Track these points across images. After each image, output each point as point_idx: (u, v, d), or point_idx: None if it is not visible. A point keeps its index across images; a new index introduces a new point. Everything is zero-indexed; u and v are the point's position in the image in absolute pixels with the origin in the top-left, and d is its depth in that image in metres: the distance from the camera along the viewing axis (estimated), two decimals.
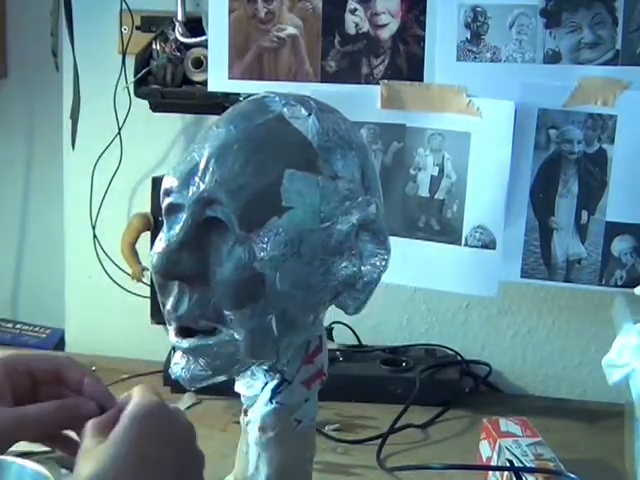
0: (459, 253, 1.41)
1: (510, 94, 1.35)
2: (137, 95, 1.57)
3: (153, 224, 1.56)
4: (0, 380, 0.73)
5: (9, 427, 0.71)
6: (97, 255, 1.65)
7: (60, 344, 1.76)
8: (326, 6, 1.42)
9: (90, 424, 0.71)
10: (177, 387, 1.40)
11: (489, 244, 1.39)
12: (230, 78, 1.47)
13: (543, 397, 1.57)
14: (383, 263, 0.82)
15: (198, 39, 1.54)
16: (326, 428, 1.37)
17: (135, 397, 0.71)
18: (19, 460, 1.08)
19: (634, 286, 1.28)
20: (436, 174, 1.42)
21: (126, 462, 0.67)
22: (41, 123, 1.77)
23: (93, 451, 0.68)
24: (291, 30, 1.43)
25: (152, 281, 0.83)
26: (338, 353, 1.55)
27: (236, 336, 0.79)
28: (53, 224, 1.76)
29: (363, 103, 1.41)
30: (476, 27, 1.36)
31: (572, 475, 1.13)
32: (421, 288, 1.56)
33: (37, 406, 0.73)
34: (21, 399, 0.74)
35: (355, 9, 1.41)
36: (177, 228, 0.78)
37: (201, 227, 0.78)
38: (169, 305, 0.80)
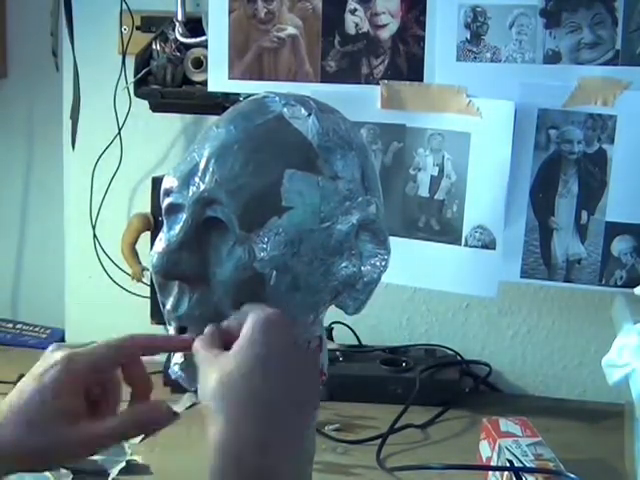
0: (459, 253, 1.41)
1: (510, 94, 1.35)
2: (137, 95, 1.57)
3: (153, 224, 1.56)
4: (74, 390, 0.72)
5: (86, 443, 0.72)
6: (97, 255, 1.65)
7: None
8: (326, 6, 1.42)
9: (199, 343, 0.72)
10: (177, 387, 1.40)
11: (489, 244, 1.39)
12: (230, 78, 1.47)
13: (543, 397, 1.57)
14: (383, 263, 0.81)
15: (198, 39, 1.54)
16: (326, 428, 1.37)
17: (253, 312, 0.71)
18: None
19: (634, 286, 1.28)
20: (436, 174, 1.42)
21: (253, 371, 0.67)
22: (41, 123, 1.77)
23: (216, 361, 0.69)
24: (291, 30, 1.43)
25: (152, 281, 0.83)
26: (338, 353, 1.55)
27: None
28: (53, 224, 1.76)
29: (363, 103, 1.41)
30: (476, 27, 1.36)
31: (572, 475, 1.14)
32: (421, 288, 1.56)
33: (110, 423, 0.73)
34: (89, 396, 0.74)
35: (355, 9, 1.41)
36: (177, 228, 0.78)
37: (201, 227, 0.78)
38: (169, 305, 0.80)
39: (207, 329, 0.74)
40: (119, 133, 1.61)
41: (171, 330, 0.81)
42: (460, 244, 1.41)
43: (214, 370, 0.69)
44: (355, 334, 1.61)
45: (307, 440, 0.73)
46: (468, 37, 1.37)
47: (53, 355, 0.74)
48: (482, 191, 1.39)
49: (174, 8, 1.55)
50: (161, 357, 1.54)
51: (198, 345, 0.73)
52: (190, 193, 0.78)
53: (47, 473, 1.07)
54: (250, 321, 0.70)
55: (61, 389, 0.72)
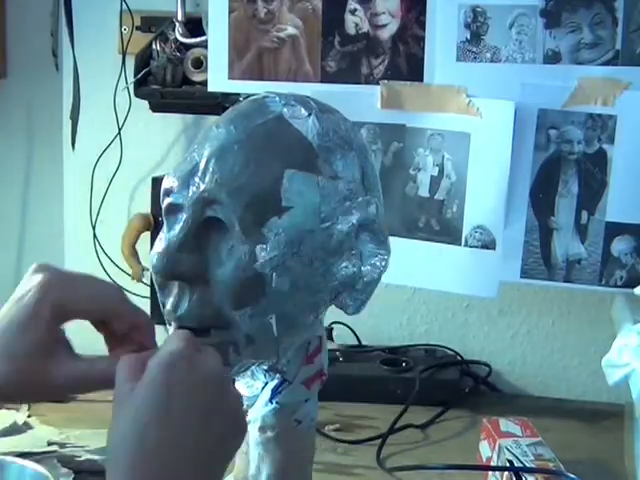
0: (459, 253, 1.41)
1: (510, 94, 1.35)
2: (137, 95, 1.57)
3: (153, 224, 1.56)
4: (49, 322, 0.68)
5: (63, 382, 0.68)
6: (97, 255, 1.65)
7: None
8: (326, 6, 1.42)
9: (122, 365, 0.66)
10: None
11: (489, 244, 1.39)
12: (230, 78, 1.47)
13: (543, 397, 1.57)
14: (383, 263, 0.81)
15: (198, 39, 1.54)
16: (326, 428, 1.37)
17: (165, 345, 0.66)
18: (19, 460, 1.08)
19: (634, 286, 1.28)
20: (436, 174, 1.42)
21: (157, 413, 0.61)
22: (41, 123, 1.77)
23: (125, 402, 0.63)
24: (291, 30, 1.43)
25: (152, 281, 0.83)
26: (338, 353, 1.55)
27: (236, 336, 0.79)
28: (53, 224, 1.76)
29: (363, 103, 1.41)
30: (476, 27, 1.36)
31: (572, 475, 1.14)
32: (421, 288, 1.56)
33: (94, 365, 0.70)
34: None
35: (355, 9, 1.41)
36: (177, 228, 0.78)
37: (201, 227, 0.78)
38: (169, 305, 0.80)
39: (129, 358, 0.67)
40: (119, 133, 1.61)
41: (171, 330, 0.82)
42: (460, 244, 1.41)
43: (118, 415, 0.63)
44: (355, 334, 1.61)
45: None
46: (468, 37, 1.37)
47: (32, 278, 0.70)
48: (482, 191, 1.39)
49: (174, 8, 1.55)
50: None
51: (121, 368, 0.66)
52: (190, 193, 0.78)
53: (47, 472, 1.07)
54: (152, 361, 0.64)
55: (37, 318, 0.68)
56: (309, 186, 0.78)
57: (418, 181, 1.43)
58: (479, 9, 1.36)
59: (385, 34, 1.41)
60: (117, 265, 1.63)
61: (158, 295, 0.82)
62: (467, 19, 1.36)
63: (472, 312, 1.60)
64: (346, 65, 1.42)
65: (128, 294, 1.74)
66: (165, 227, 0.81)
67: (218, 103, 1.48)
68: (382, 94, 1.41)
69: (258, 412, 0.86)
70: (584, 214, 1.37)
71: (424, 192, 1.43)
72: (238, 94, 1.44)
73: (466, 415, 1.45)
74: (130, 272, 1.61)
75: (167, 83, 1.55)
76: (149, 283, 1.56)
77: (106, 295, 0.74)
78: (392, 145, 1.43)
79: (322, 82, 1.43)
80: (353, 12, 1.41)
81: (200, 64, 1.54)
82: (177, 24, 1.55)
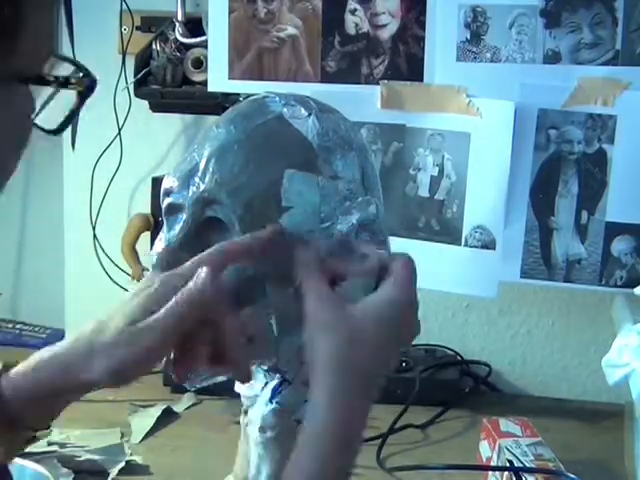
0: (459, 253, 1.41)
1: (510, 94, 1.35)
2: (137, 95, 1.57)
3: (153, 224, 1.56)
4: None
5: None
6: (97, 255, 1.65)
7: None
8: (326, 6, 1.42)
9: (308, 275, 0.71)
10: (177, 387, 1.41)
11: (489, 244, 1.39)
12: (230, 78, 1.47)
13: (543, 397, 1.57)
14: None
15: (198, 39, 1.54)
16: None
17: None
18: (19, 460, 1.08)
19: (634, 286, 1.29)
20: (436, 174, 1.42)
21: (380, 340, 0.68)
22: None
23: (340, 312, 0.68)
24: (291, 30, 1.43)
25: None
26: None
27: None
28: (53, 224, 1.76)
29: (363, 103, 1.41)
30: (476, 27, 1.36)
31: (572, 475, 1.14)
32: (421, 288, 1.55)
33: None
34: None
35: (355, 9, 1.41)
36: (177, 228, 0.78)
37: (201, 227, 0.78)
38: None
39: (307, 255, 0.73)
40: (119, 133, 1.61)
41: None
42: (460, 244, 1.41)
43: (337, 326, 0.67)
44: None
45: None
46: (468, 37, 1.37)
47: (149, 276, 0.74)
48: (482, 191, 1.39)
49: (174, 8, 1.55)
50: None
51: (307, 277, 0.70)
52: (190, 193, 0.78)
53: (47, 472, 1.07)
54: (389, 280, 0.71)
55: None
56: (309, 186, 0.78)
57: (418, 181, 1.43)
58: (479, 9, 1.36)
59: (385, 34, 1.41)
60: (117, 265, 1.63)
61: None
62: (467, 19, 1.36)
63: (472, 312, 1.60)
64: (346, 65, 1.42)
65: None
66: (165, 227, 0.81)
67: (218, 103, 1.48)
68: (382, 94, 1.41)
69: (258, 412, 0.86)
70: (584, 214, 1.37)
71: (424, 192, 1.43)
72: (238, 94, 1.44)
73: (466, 415, 1.45)
74: (130, 272, 1.61)
75: (167, 83, 1.55)
76: None
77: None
78: (392, 145, 1.43)
79: (322, 82, 1.43)
80: (353, 12, 1.41)
81: (200, 64, 1.54)
82: (177, 24, 1.55)
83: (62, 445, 1.28)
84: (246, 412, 0.88)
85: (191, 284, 0.70)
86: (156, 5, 1.59)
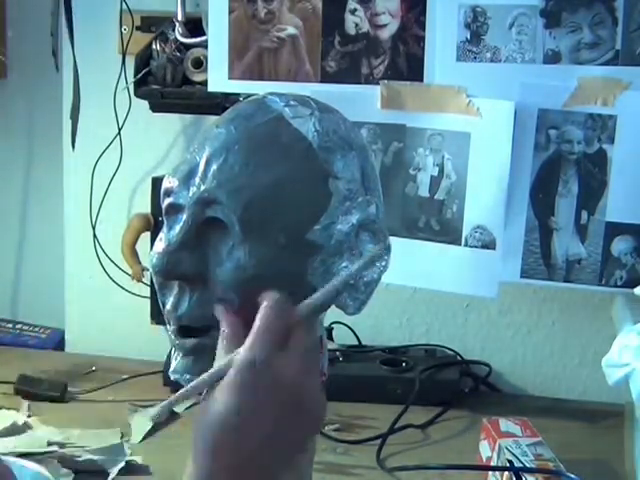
0: (459, 253, 1.41)
1: (510, 94, 1.35)
2: (137, 95, 1.57)
3: (153, 224, 1.56)
4: None
5: None
6: (97, 255, 1.65)
7: (60, 344, 1.76)
8: (326, 6, 1.42)
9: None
10: (177, 387, 1.40)
11: (489, 244, 1.39)
12: (230, 78, 1.47)
13: (543, 397, 1.57)
14: (383, 263, 0.81)
15: (198, 39, 1.54)
16: (326, 428, 1.37)
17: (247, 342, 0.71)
18: (19, 460, 1.08)
19: (634, 286, 1.29)
20: (436, 174, 1.42)
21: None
22: (41, 123, 1.77)
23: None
24: (291, 30, 1.43)
25: (152, 281, 0.83)
26: (338, 353, 1.55)
27: None
28: (53, 224, 1.76)
29: (363, 103, 1.41)
30: (476, 27, 1.36)
31: (572, 475, 1.14)
32: (421, 288, 1.56)
33: None
34: None
35: (355, 9, 1.41)
36: (177, 228, 0.78)
37: (201, 227, 0.78)
38: (169, 305, 0.80)
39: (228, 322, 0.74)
40: (119, 133, 1.61)
41: (171, 330, 0.81)
42: (460, 244, 1.41)
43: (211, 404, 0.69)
44: (355, 334, 1.61)
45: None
46: (468, 37, 1.37)
47: None
48: (482, 191, 1.39)
49: (174, 8, 1.55)
50: (161, 357, 1.55)
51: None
52: (190, 193, 0.78)
53: (47, 473, 1.07)
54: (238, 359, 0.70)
55: None
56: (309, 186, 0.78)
57: (418, 181, 1.43)
58: (479, 9, 1.36)
59: (385, 34, 1.41)
60: (117, 265, 1.63)
61: (158, 295, 0.82)
62: (467, 19, 1.36)
63: (472, 312, 1.60)
64: (346, 65, 1.43)
65: (128, 294, 1.75)
66: (165, 227, 0.81)
67: (218, 103, 1.48)
68: (382, 94, 1.41)
69: None
70: (584, 214, 1.37)
71: (424, 192, 1.43)
72: (238, 94, 1.44)
73: (466, 415, 1.45)
74: (130, 272, 1.61)
75: (167, 83, 1.55)
76: (149, 283, 1.56)
77: None
78: (392, 145, 1.43)
79: (322, 82, 1.43)
80: (353, 12, 1.41)
81: (200, 64, 1.54)
82: (177, 24, 1.55)
83: (62, 445, 1.28)
84: None
85: None
86: (156, 5, 1.60)
